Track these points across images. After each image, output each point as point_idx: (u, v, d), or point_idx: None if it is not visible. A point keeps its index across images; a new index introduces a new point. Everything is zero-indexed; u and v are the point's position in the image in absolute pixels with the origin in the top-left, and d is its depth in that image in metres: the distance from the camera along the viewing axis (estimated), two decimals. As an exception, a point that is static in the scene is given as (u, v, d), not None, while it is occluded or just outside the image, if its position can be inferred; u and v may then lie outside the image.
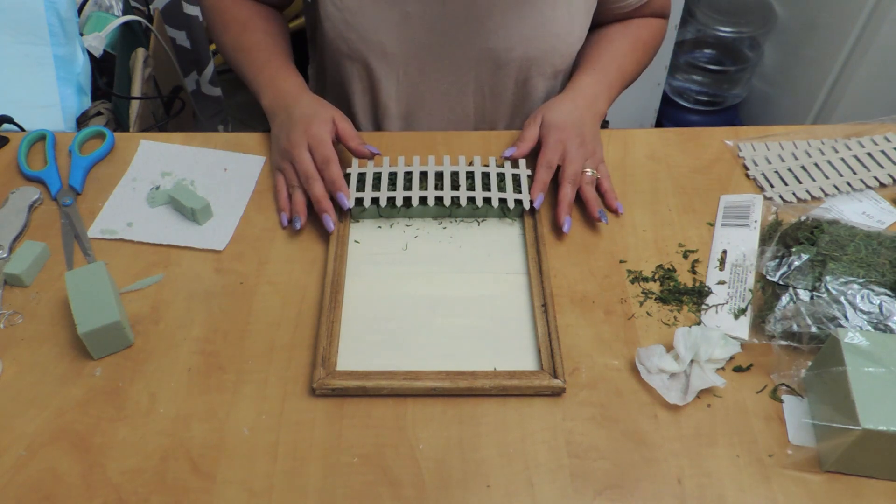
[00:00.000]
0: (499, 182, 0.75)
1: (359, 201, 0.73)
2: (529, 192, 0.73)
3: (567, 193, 0.72)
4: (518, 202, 0.73)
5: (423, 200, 0.73)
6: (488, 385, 0.59)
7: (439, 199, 0.73)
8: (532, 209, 0.73)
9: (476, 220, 0.74)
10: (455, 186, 0.74)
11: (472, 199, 0.73)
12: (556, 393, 0.60)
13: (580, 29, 0.85)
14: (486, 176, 0.75)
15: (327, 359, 0.61)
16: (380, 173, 0.75)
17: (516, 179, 0.75)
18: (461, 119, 0.91)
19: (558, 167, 0.75)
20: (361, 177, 0.75)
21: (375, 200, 0.73)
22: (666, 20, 0.95)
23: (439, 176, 0.75)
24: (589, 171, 0.74)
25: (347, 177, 0.75)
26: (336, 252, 0.69)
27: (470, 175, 0.75)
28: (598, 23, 0.89)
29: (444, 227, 0.74)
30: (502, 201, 0.73)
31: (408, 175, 0.75)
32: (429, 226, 0.74)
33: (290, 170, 0.74)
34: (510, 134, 0.85)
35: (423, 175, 0.75)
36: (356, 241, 0.72)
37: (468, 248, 0.72)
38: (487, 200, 0.73)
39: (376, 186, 0.74)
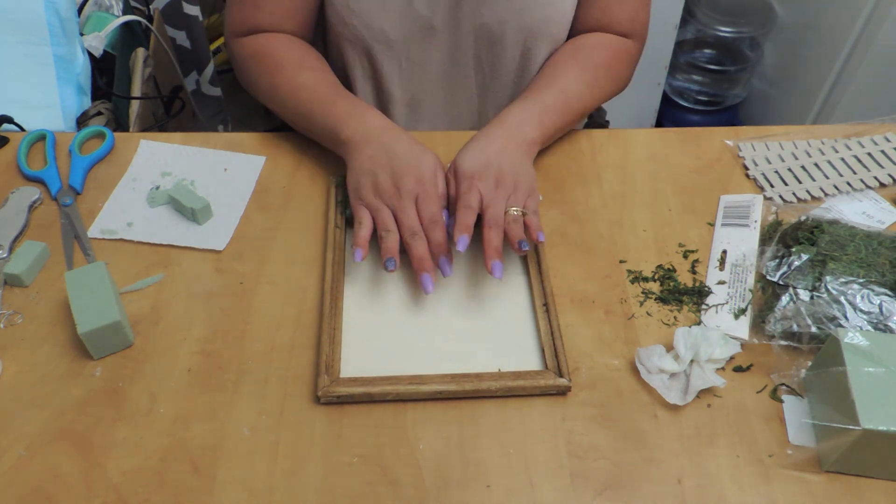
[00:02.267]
0: None
1: None
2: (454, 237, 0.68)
3: (491, 238, 0.66)
4: None
5: None
6: (494, 387, 0.59)
7: None
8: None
9: None
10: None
11: None
12: (562, 392, 0.60)
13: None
14: None
15: (331, 366, 0.60)
16: None
17: None
18: (465, 100, 0.91)
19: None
20: None
21: None
22: (634, 42, 0.88)
23: None
24: (514, 211, 0.68)
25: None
26: (334, 258, 0.69)
27: None
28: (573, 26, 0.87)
29: None
30: None
31: None
32: None
33: (387, 214, 0.68)
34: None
35: None
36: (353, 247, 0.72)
37: (468, 249, 0.71)
38: None
39: None
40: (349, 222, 0.73)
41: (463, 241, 0.66)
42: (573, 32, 0.87)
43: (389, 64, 0.86)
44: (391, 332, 0.64)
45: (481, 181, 0.69)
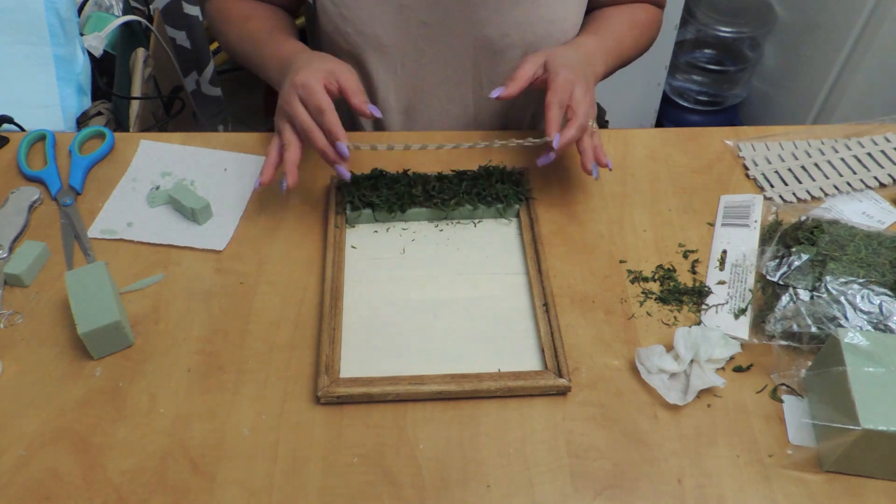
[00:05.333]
0: (490, 183, 0.74)
1: (353, 207, 0.72)
2: (537, 144, 0.70)
3: (583, 141, 0.70)
4: (510, 204, 0.73)
5: (414, 201, 0.72)
6: (494, 387, 0.59)
7: (433, 203, 0.73)
8: (528, 206, 0.73)
9: (472, 222, 0.74)
10: (447, 190, 0.74)
11: (465, 202, 0.73)
12: (562, 392, 0.60)
13: (574, 16, 0.84)
14: (476, 179, 0.75)
15: (331, 366, 0.60)
16: (372, 178, 0.75)
17: (508, 175, 0.75)
18: (460, 110, 0.91)
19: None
20: (354, 180, 0.74)
21: (370, 205, 0.72)
22: (661, 11, 0.94)
23: (427, 180, 0.75)
24: (593, 123, 0.72)
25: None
26: (334, 258, 0.69)
27: (461, 177, 0.75)
28: (591, 8, 0.89)
29: (441, 230, 0.73)
30: (496, 201, 0.73)
31: (395, 179, 0.75)
32: (425, 228, 0.74)
33: (287, 128, 0.69)
34: (510, 134, 0.85)
35: (413, 180, 0.75)
36: (353, 247, 0.72)
37: (466, 250, 0.72)
38: (483, 200, 0.73)
39: (370, 190, 0.73)
40: (349, 221, 0.74)
41: (557, 139, 0.68)
42: (603, 5, 0.90)
43: (385, 71, 0.86)
44: (391, 332, 0.64)
45: (576, 77, 0.71)
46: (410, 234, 0.73)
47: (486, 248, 0.72)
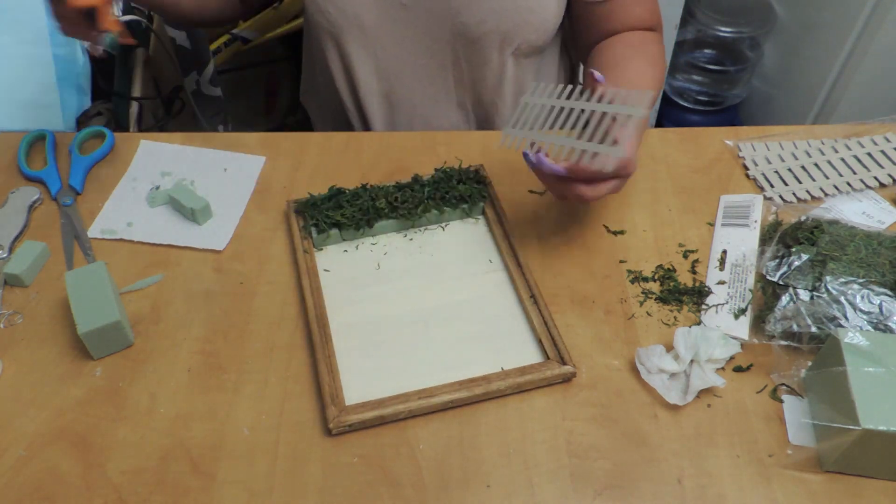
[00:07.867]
0: (451, 185, 0.74)
1: (319, 229, 0.70)
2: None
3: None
4: (474, 203, 0.73)
5: (380, 214, 0.72)
6: (504, 386, 0.59)
7: (399, 214, 0.72)
8: (492, 201, 0.73)
9: (440, 226, 0.74)
10: (410, 199, 0.73)
11: (431, 208, 0.72)
12: (568, 378, 0.60)
13: (556, 5, 0.83)
14: (436, 183, 0.74)
15: (335, 396, 0.58)
16: (331, 197, 0.73)
17: (466, 174, 0.75)
18: (443, 94, 0.90)
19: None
20: (313, 202, 0.73)
21: (335, 224, 0.70)
22: (659, 33, 0.90)
23: (388, 191, 0.74)
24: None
25: (306, 202, 0.72)
26: (311, 285, 0.66)
27: (421, 183, 0.74)
28: (577, 19, 0.87)
29: (411, 239, 0.73)
30: (461, 202, 0.73)
31: (356, 195, 0.73)
32: (394, 240, 0.72)
33: None
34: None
35: (374, 193, 0.73)
36: (326, 270, 0.70)
37: (440, 255, 0.71)
38: (448, 203, 0.73)
39: (332, 210, 0.72)
40: (316, 245, 0.72)
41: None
42: (597, 36, 0.86)
43: (366, 53, 0.86)
44: (386, 349, 0.63)
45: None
46: (381, 247, 0.72)
47: (459, 249, 0.71)
